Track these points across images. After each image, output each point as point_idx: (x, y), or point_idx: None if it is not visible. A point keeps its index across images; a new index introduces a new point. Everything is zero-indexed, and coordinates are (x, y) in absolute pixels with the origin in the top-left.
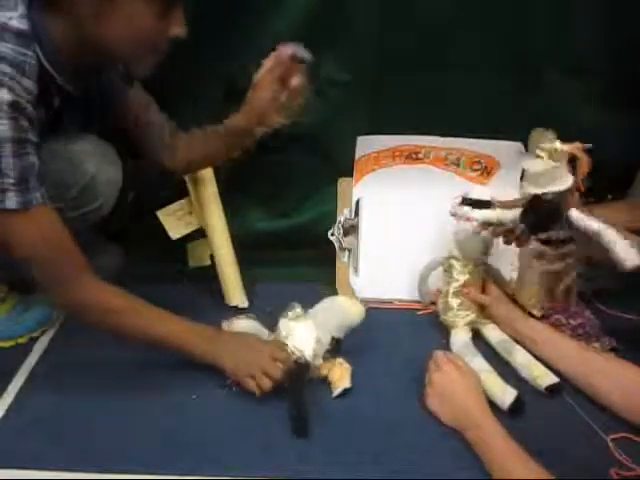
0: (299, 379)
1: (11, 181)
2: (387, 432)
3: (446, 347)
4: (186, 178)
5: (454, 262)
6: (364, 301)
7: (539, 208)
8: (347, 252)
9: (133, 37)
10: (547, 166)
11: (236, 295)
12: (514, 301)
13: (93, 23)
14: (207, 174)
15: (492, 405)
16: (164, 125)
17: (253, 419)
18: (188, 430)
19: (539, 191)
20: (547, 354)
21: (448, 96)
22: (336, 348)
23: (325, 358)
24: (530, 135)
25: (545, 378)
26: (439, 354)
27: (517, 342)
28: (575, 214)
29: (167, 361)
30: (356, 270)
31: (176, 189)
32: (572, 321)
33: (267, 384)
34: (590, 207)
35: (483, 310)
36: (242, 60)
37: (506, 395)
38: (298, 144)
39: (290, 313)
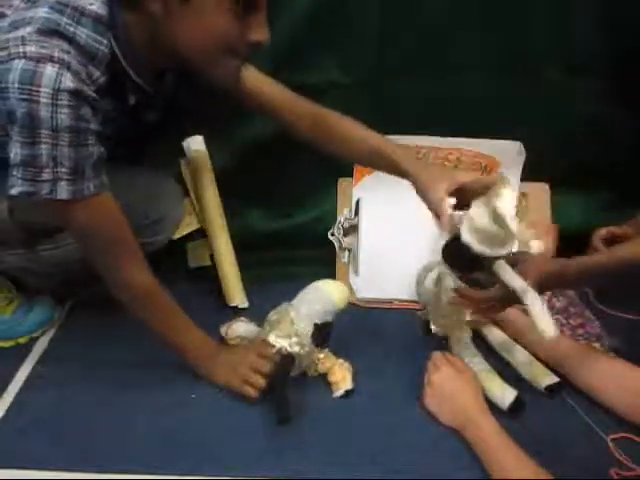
0: (284, 370)
1: (65, 170)
2: (386, 432)
3: (446, 347)
4: (186, 178)
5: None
6: (363, 300)
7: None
8: (347, 252)
9: (207, 40)
10: (488, 227)
11: (236, 295)
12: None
13: (166, 22)
14: (207, 174)
15: (492, 405)
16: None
17: (253, 419)
18: (188, 430)
19: (472, 244)
20: (547, 355)
21: (448, 96)
22: (323, 335)
23: (319, 348)
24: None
25: (545, 378)
26: (437, 355)
27: (517, 342)
28: (502, 267)
29: (167, 361)
30: (356, 270)
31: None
32: (572, 321)
33: (259, 380)
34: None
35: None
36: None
37: (506, 395)
38: (298, 144)
39: (273, 310)
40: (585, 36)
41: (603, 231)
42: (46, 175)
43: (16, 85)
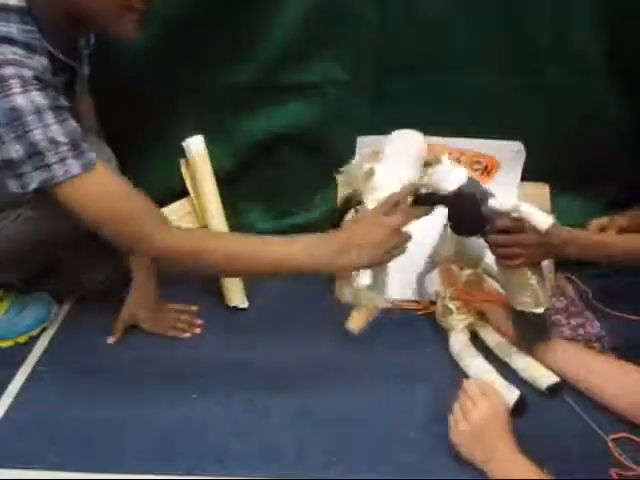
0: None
1: (65, 148)
2: (387, 432)
3: (446, 347)
4: (186, 178)
5: (452, 265)
6: None
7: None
8: None
9: (105, 1)
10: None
11: (236, 295)
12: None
13: None
14: (207, 174)
15: None
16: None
17: (253, 418)
18: (188, 430)
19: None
20: (546, 359)
21: (448, 96)
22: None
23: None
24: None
25: (545, 378)
26: (472, 386)
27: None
28: (494, 202)
29: (167, 361)
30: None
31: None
32: (572, 321)
33: (404, 236)
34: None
35: (481, 313)
36: (243, 61)
37: (509, 396)
38: (298, 144)
39: (356, 158)
40: (585, 36)
41: (593, 226)
42: (52, 158)
43: None
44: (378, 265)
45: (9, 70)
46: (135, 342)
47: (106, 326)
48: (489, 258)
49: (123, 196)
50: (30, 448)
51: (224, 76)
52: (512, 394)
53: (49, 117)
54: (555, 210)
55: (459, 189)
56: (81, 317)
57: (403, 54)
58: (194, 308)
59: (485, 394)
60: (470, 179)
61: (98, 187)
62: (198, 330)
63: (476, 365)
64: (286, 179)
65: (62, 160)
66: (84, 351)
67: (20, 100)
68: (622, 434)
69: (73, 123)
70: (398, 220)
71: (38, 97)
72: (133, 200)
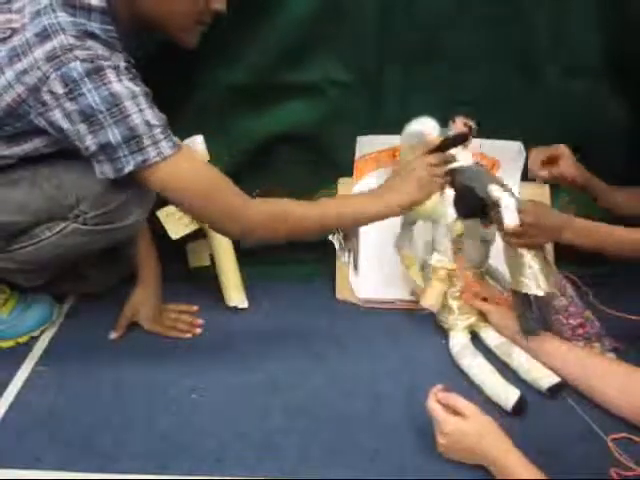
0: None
1: (158, 130)
2: (387, 432)
3: (446, 347)
4: None
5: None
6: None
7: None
8: (347, 252)
9: (182, 12)
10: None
11: (236, 295)
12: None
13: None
14: None
15: (495, 406)
16: None
17: (253, 418)
18: (188, 430)
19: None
20: (546, 361)
21: (448, 96)
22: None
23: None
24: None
25: (546, 379)
26: (433, 405)
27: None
28: (493, 188)
29: (167, 360)
30: (356, 270)
31: None
32: (572, 321)
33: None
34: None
35: (482, 314)
36: (243, 61)
37: (509, 395)
38: (298, 144)
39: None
40: (585, 36)
41: (541, 154)
42: (147, 141)
43: (85, 79)
44: (428, 196)
45: (103, 62)
46: (135, 342)
47: (106, 326)
48: (492, 260)
49: (209, 174)
50: (30, 448)
51: (224, 76)
52: (513, 395)
53: (143, 102)
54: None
55: (461, 167)
56: (81, 317)
57: (403, 54)
58: (195, 308)
59: (450, 404)
60: (477, 164)
61: (187, 167)
62: (198, 330)
63: (477, 365)
64: (286, 179)
65: (155, 143)
66: (84, 351)
67: (118, 87)
68: (622, 434)
69: (156, 109)
70: (430, 158)
71: (131, 83)
72: (218, 177)
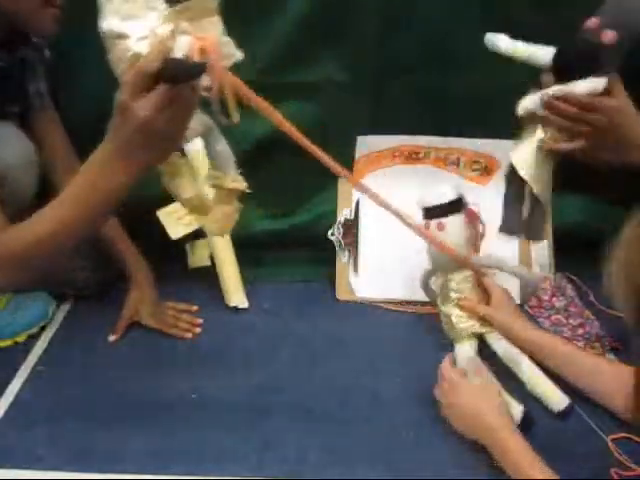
0: None
1: None
2: (387, 432)
3: (446, 347)
4: None
5: (450, 274)
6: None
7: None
8: (347, 252)
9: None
10: None
11: (236, 295)
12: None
13: None
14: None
15: None
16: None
17: (253, 419)
18: (188, 430)
19: None
20: (547, 361)
21: (448, 96)
22: None
23: None
24: None
25: (556, 400)
26: (446, 369)
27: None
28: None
29: (167, 360)
30: (356, 270)
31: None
32: (572, 321)
33: None
34: None
35: (484, 319)
36: (242, 61)
37: (514, 412)
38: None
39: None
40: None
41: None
42: None
43: None
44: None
45: None
46: (135, 342)
47: (106, 326)
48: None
49: None
50: (30, 448)
51: None
52: (517, 412)
53: None
54: (555, 210)
55: None
56: (81, 317)
57: (403, 54)
58: (194, 308)
59: (461, 373)
60: None
61: None
62: (198, 330)
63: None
64: (286, 179)
65: None
66: (84, 351)
67: None
68: (622, 434)
69: None
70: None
71: None
72: None
